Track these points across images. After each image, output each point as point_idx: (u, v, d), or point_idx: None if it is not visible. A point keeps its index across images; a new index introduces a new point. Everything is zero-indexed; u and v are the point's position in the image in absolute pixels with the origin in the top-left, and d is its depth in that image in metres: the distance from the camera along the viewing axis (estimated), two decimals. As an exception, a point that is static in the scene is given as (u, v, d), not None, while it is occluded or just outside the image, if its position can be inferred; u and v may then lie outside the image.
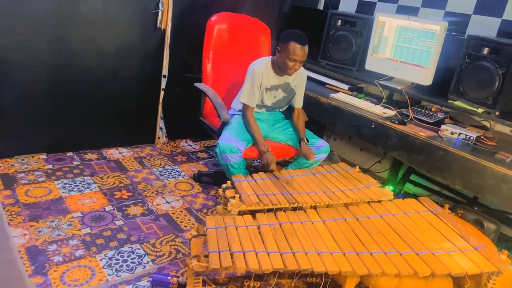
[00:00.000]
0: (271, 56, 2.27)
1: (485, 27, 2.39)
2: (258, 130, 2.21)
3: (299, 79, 2.33)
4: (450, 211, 2.00)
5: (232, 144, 2.10)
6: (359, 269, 1.51)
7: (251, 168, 2.60)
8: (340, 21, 2.85)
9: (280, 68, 2.19)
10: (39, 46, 2.41)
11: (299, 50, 2.08)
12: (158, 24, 2.77)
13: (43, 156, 2.64)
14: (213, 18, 2.54)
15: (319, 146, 2.31)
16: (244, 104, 2.24)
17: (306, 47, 2.11)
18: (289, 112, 2.46)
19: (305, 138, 2.29)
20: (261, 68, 2.20)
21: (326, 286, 1.78)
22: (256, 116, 2.29)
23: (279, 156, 2.31)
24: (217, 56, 2.55)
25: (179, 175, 2.70)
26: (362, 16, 2.79)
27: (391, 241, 1.67)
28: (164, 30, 2.82)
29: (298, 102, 2.39)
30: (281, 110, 2.46)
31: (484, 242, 1.74)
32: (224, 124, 2.26)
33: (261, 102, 2.30)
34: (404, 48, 2.51)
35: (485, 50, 2.11)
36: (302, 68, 2.33)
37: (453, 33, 2.50)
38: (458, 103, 2.24)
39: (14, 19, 2.28)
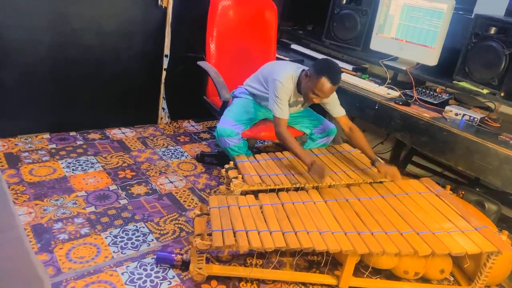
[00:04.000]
0: (297, 69, 2.05)
1: (493, 6, 2.33)
2: (298, 144, 1.98)
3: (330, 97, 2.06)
4: (451, 192, 2.01)
5: (229, 127, 2.09)
6: (360, 248, 1.53)
7: (254, 149, 2.60)
8: (345, -1, 2.79)
9: (301, 91, 2.03)
10: (39, 25, 2.38)
11: (327, 89, 1.88)
12: (159, 2, 2.72)
13: (47, 135, 2.64)
14: (217, -6, 2.49)
15: (324, 128, 2.30)
16: (278, 119, 2.00)
17: (336, 86, 1.92)
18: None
19: (378, 158, 2.03)
20: (288, 87, 2.01)
21: (327, 264, 1.82)
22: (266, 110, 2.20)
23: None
24: (221, 34, 2.50)
25: (182, 155, 2.71)
26: (368, -6, 2.73)
27: (392, 221, 1.69)
28: (166, 8, 2.77)
29: (336, 111, 2.11)
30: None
31: (485, 223, 1.76)
32: (225, 103, 2.24)
33: None
34: (410, 27, 2.47)
35: (493, 30, 2.07)
36: None
37: (460, 12, 2.45)
38: (463, 83, 2.21)
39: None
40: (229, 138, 2.09)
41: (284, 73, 2.02)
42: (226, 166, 1.99)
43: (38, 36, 2.40)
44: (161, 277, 1.66)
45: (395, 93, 2.37)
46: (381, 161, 2.03)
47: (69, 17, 2.46)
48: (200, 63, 2.44)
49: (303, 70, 2.02)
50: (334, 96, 2.08)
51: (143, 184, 2.30)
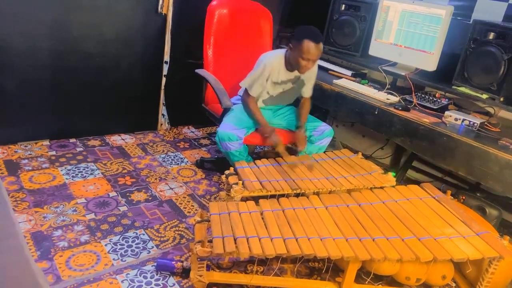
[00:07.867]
0: (285, 50, 2.18)
1: (491, 11, 2.35)
2: (259, 112, 2.18)
3: (310, 71, 2.23)
4: (452, 197, 2.00)
5: (231, 131, 2.09)
6: (361, 254, 1.52)
7: (253, 155, 2.60)
8: (344, 5, 2.81)
9: (291, 65, 2.14)
10: (40, 32, 2.39)
11: (313, 49, 1.99)
12: (159, 9, 2.73)
13: (46, 142, 2.64)
14: (214, 2, 2.50)
15: (322, 130, 2.30)
16: (245, 90, 2.22)
17: (321, 45, 2.02)
18: (296, 101, 2.43)
19: (303, 127, 2.26)
20: (272, 63, 2.14)
21: (328, 270, 1.81)
22: (259, 104, 2.27)
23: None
24: (218, 42, 2.52)
25: (182, 161, 2.71)
26: (367, 0, 2.74)
27: (393, 227, 1.68)
28: (165, 15, 2.78)
29: (307, 92, 2.34)
30: (287, 103, 2.41)
31: (486, 228, 1.75)
32: (226, 110, 2.25)
33: (267, 94, 2.26)
34: (408, 33, 2.48)
35: (491, 35, 2.08)
36: None
37: (459, 18, 2.46)
38: (462, 89, 2.22)
39: (14, 4, 2.25)
40: (230, 142, 2.09)
41: (271, 54, 2.21)
42: (226, 172, 1.98)
43: (39, 43, 2.41)
44: (161, 285, 1.65)
45: (394, 99, 2.37)
46: (303, 130, 2.24)
47: (70, 25, 2.47)
48: (199, 71, 2.44)
49: (287, 50, 2.15)
50: (315, 74, 2.31)
51: (143, 190, 2.30)
